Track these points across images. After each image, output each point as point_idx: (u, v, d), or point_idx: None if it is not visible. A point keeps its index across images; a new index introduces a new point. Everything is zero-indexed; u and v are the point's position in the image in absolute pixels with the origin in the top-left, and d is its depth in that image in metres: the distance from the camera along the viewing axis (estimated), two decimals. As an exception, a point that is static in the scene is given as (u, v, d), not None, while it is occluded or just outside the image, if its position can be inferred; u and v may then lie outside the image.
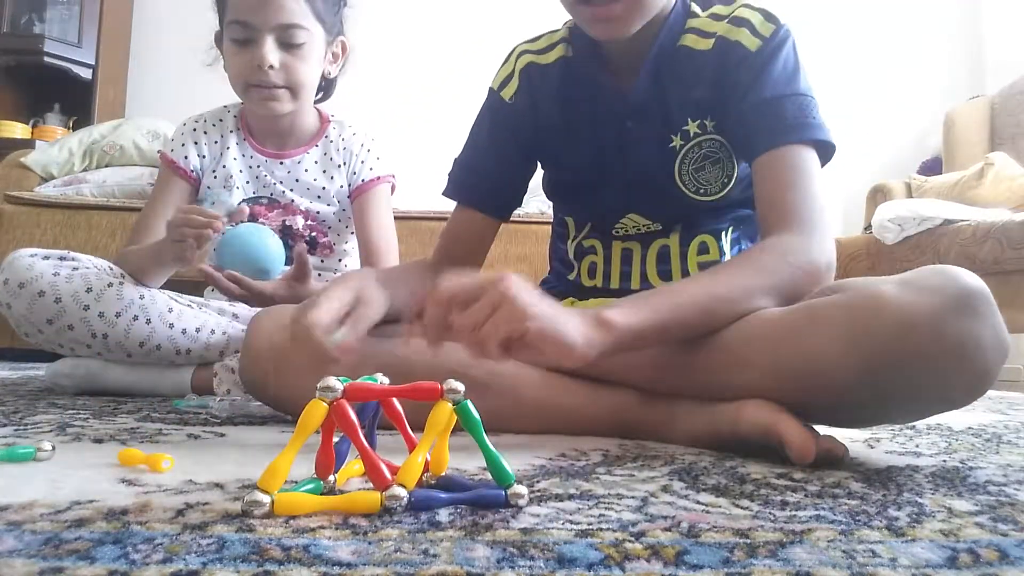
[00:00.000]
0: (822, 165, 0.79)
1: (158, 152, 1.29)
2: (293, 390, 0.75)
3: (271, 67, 1.12)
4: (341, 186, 1.27)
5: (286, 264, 1.11)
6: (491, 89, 0.95)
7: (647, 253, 0.92)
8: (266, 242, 1.08)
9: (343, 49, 1.26)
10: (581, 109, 0.89)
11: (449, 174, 0.97)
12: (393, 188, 1.32)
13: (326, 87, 1.29)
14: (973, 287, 0.56)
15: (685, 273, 0.90)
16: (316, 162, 1.27)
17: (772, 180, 0.77)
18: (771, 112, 0.78)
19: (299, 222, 1.24)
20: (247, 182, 1.25)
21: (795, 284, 0.69)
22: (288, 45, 1.14)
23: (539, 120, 0.92)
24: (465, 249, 0.95)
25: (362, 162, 1.27)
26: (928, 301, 0.56)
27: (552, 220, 1.07)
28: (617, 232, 0.92)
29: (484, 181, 0.94)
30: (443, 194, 0.96)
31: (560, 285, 1.00)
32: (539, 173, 1.02)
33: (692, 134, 0.86)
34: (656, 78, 0.85)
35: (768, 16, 0.83)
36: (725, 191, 0.87)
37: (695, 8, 0.87)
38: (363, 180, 1.27)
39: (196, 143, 1.26)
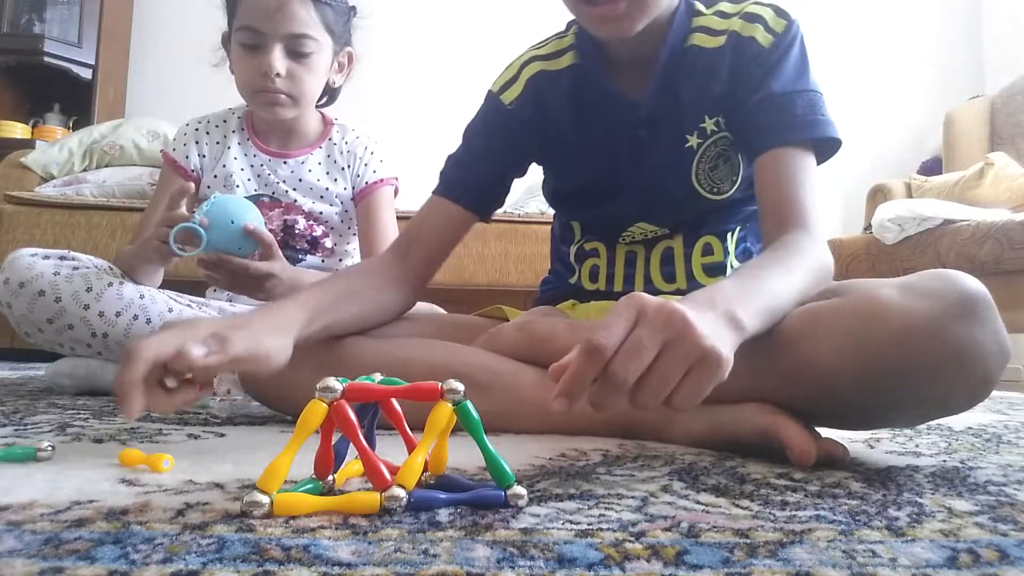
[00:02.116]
0: (827, 159, 0.80)
1: (161, 151, 1.30)
2: (294, 393, 0.75)
3: (277, 75, 1.13)
4: (344, 188, 1.28)
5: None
6: (490, 92, 0.94)
7: (651, 255, 0.92)
8: (248, 213, 1.02)
9: (349, 59, 1.27)
10: (592, 119, 0.89)
11: (441, 172, 0.95)
12: (396, 191, 1.33)
13: (330, 94, 1.30)
14: (975, 292, 0.56)
15: (690, 275, 0.90)
16: (320, 163, 1.27)
17: (781, 178, 0.77)
18: (781, 108, 0.78)
19: (301, 222, 1.24)
20: (248, 180, 1.25)
21: (816, 285, 0.69)
22: (296, 54, 1.15)
23: (547, 128, 0.91)
24: (438, 241, 0.91)
25: (365, 164, 1.28)
26: (929, 306, 0.55)
27: (553, 221, 1.06)
28: (623, 238, 0.93)
29: (472, 178, 0.92)
30: (434, 192, 0.93)
31: (561, 287, 1.00)
32: (538, 176, 1.02)
33: (709, 131, 0.85)
34: (668, 81, 0.84)
35: (780, 12, 0.83)
36: (734, 188, 0.88)
37: (699, 6, 0.86)
38: (367, 183, 1.27)
39: (197, 143, 1.27)
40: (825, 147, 0.80)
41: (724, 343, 0.49)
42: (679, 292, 0.90)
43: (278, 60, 1.13)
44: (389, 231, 1.26)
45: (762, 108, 0.79)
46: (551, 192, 1.00)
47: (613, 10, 0.73)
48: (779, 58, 0.80)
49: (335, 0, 1.19)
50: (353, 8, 1.26)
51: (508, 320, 0.93)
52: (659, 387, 0.47)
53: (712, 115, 0.85)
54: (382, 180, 1.28)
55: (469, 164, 0.93)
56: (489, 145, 0.92)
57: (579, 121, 0.89)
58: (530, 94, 0.90)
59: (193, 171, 1.26)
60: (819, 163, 0.80)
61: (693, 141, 0.85)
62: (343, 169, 1.28)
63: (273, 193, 1.25)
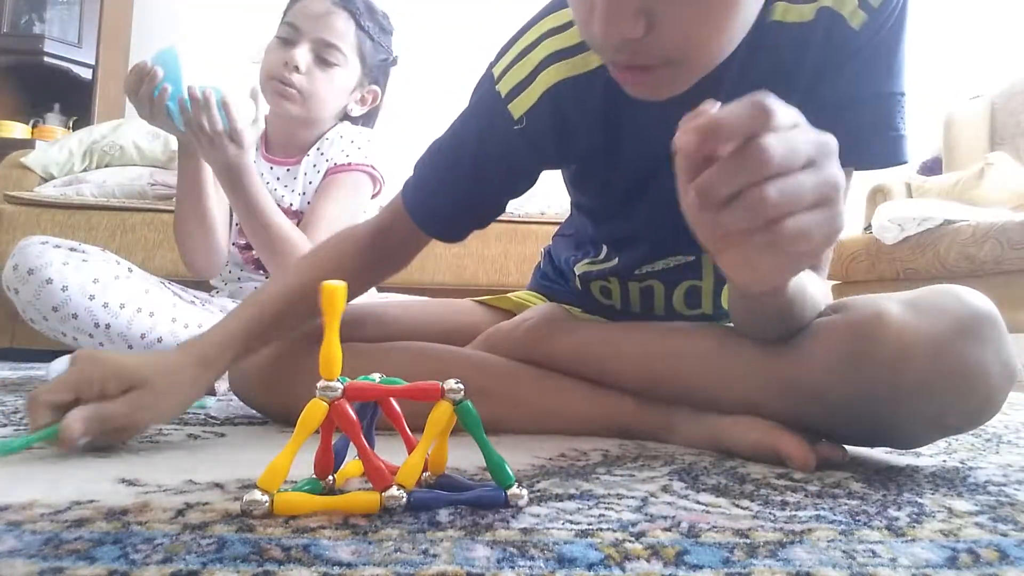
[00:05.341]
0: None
1: None
2: (284, 402, 0.74)
3: (296, 68, 1.16)
4: None
5: None
6: (495, 91, 0.70)
7: (673, 292, 0.81)
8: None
9: (373, 98, 1.29)
10: (634, 141, 0.69)
11: (413, 183, 0.76)
12: (375, 182, 1.24)
13: (351, 119, 1.29)
14: (979, 310, 0.54)
15: (717, 304, 0.81)
16: (314, 166, 1.24)
17: None
18: (847, 122, 0.59)
19: None
20: None
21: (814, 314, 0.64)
22: (322, 60, 1.18)
23: (568, 145, 0.71)
24: (401, 252, 0.80)
25: (340, 150, 1.22)
26: (930, 324, 0.54)
27: (566, 226, 0.94)
28: (641, 273, 0.80)
29: (457, 211, 0.75)
30: (406, 206, 0.75)
31: (562, 289, 0.93)
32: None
33: None
34: (741, 80, 0.61)
35: None
36: None
37: None
38: (335, 164, 1.20)
39: None
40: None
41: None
42: (704, 317, 0.82)
43: (302, 55, 1.16)
44: (324, 222, 1.15)
45: (823, 118, 0.58)
46: (572, 200, 0.85)
47: (642, 77, 0.52)
48: (864, 46, 0.62)
49: (378, 35, 1.23)
50: (395, 58, 1.28)
51: (512, 311, 0.92)
52: (792, 192, 0.38)
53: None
54: (350, 164, 1.20)
55: (453, 191, 0.74)
56: (485, 170, 0.72)
57: (614, 144, 0.70)
58: (547, 106, 0.68)
59: None
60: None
61: None
62: (320, 172, 1.22)
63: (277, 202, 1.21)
